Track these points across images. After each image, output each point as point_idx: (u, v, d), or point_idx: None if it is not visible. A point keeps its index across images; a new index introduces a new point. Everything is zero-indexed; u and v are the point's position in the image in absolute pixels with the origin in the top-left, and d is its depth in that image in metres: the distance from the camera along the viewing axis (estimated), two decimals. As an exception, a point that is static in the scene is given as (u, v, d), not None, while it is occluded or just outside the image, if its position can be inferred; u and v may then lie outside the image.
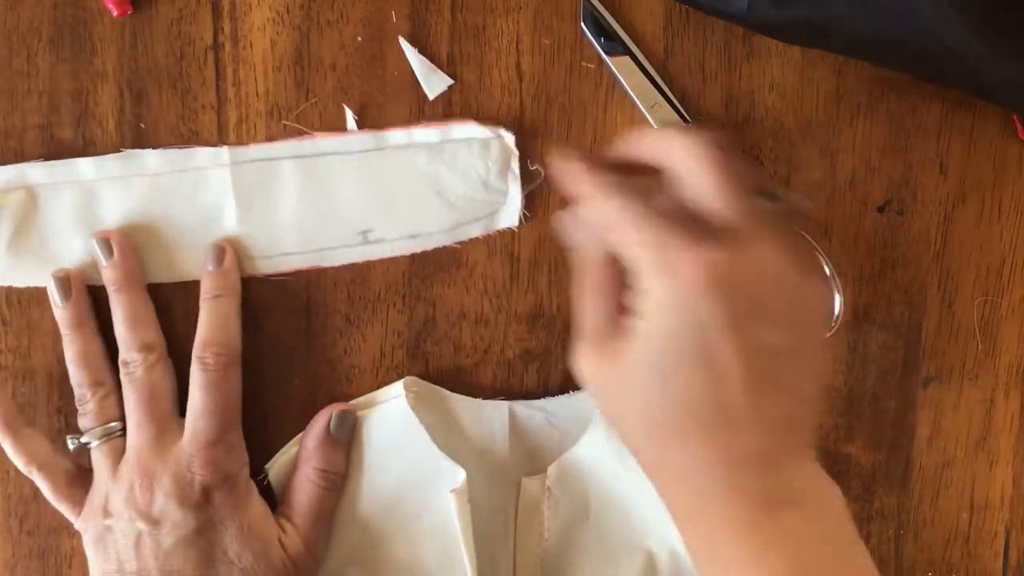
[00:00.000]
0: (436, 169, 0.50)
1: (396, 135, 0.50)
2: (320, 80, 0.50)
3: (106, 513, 0.48)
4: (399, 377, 0.51)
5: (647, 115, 0.49)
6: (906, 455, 0.54)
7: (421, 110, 0.50)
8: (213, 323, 0.49)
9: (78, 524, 0.49)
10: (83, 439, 0.49)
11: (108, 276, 0.49)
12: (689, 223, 0.39)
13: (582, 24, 0.50)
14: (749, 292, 0.38)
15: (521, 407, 0.52)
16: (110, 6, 0.48)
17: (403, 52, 0.50)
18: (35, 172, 0.49)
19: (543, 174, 0.51)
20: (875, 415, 0.54)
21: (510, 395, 0.52)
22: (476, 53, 0.50)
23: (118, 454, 0.49)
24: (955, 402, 0.54)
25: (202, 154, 0.50)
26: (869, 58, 0.48)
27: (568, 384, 0.52)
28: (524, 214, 0.51)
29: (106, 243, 0.49)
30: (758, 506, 0.38)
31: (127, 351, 0.48)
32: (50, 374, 0.51)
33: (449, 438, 0.51)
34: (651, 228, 0.39)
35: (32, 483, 0.51)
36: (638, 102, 0.49)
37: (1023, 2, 0.45)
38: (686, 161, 0.40)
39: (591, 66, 0.50)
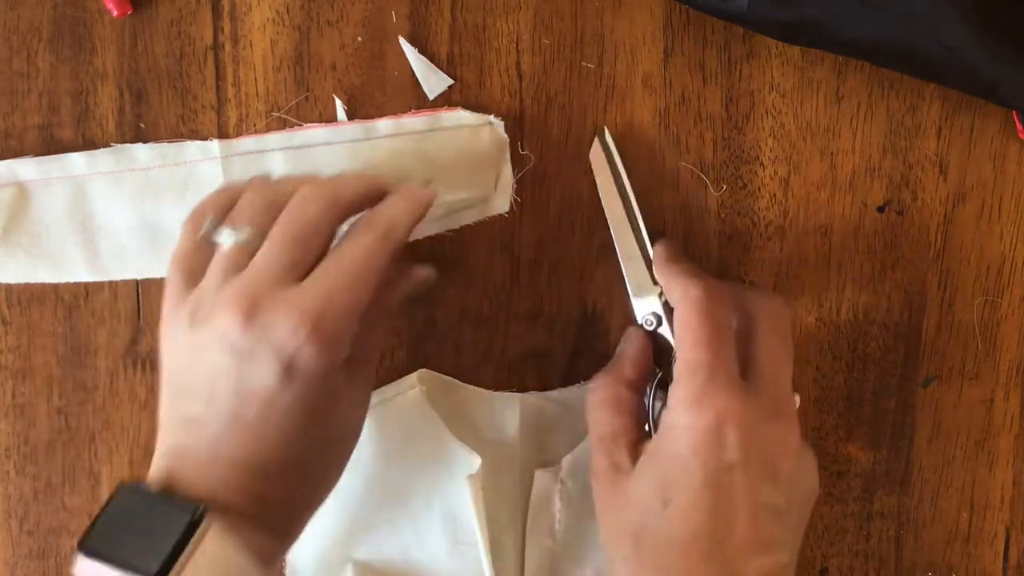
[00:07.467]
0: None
1: (385, 124, 0.50)
2: (320, 80, 0.50)
3: (193, 320, 0.42)
4: (399, 377, 0.51)
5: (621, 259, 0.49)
6: (906, 455, 0.54)
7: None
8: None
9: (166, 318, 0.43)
10: (217, 228, 0.43)
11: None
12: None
13: (597, 139, 0.50)
14: (767, 454, 0.43)
15: (533, 398, 0.52)
16: (110, 6, 0.48)
17: (403, 52, 0.50)
18: (25, 168, 0.49)
19: (533, 160, 0.51)
20: (875, 415, 0.54)
21: (510, 395, 0.52)
22: (476, 53, 0.50)
23: (234, 268, 0.42)
24: (955, 402, 0.54)
25: (192, 147, 0.50)
26: (869, 58, 0.48)
27: (568, 382, 0.52)
28: (515, 200, 0.51)
29: None
30: None
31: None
32: (50, 374, 0.51)
33: (460, 429, 0.51)
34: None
35: (32, 483, 0.51)
36: (619, 249, 0.49)
37: (1023, 2, 0.45)
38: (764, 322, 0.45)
39: (591, 66, 0.50)
